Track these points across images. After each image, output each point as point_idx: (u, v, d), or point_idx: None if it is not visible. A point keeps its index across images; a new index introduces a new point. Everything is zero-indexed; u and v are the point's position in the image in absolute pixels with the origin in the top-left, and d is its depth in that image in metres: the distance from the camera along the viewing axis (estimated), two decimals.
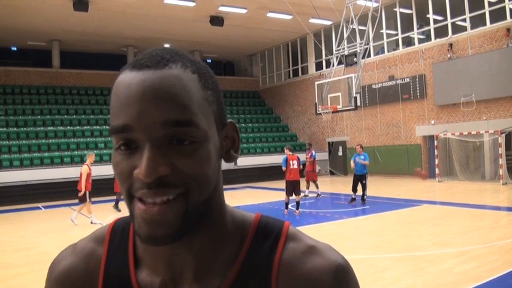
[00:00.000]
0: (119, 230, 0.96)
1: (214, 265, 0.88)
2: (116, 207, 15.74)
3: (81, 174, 13.66)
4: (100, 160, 23.68)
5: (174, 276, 0.87)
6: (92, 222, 13.41)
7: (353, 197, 15.85)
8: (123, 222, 0.97)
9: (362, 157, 15.46)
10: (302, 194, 15.82)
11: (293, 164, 13.94)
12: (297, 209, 14.24)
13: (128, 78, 0.77)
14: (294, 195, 14.06)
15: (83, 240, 0.98)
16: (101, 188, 20.22)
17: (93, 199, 14.20)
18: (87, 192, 13.59)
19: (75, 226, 13.21)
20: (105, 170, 20.73)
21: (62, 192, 20.34)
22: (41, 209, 18.58)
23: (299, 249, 0.88)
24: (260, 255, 0.88)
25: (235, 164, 26.97)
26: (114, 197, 16.03)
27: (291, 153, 14.22)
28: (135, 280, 0.89)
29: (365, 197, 15.60)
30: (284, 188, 14.31)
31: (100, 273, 0.92)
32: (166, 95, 0.75)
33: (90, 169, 13.81)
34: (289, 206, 14.47)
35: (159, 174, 0.74)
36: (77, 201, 14.04)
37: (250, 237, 0.91)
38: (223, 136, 0.87)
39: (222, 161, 0.90)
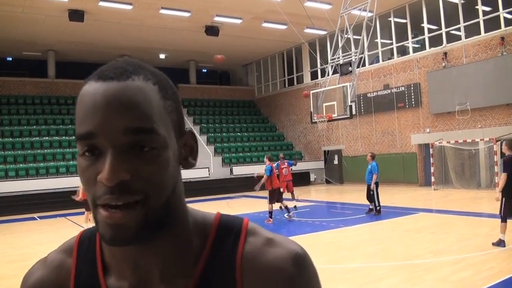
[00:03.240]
0: (85, 240, 0.99)
1: (179, 265, 0.91)
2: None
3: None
4: None
5: (140, 279, 0.90)
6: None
7: (370, 207, 15.22)
8: (89, 232, 1.01)
9: (369, 167, 15.00)
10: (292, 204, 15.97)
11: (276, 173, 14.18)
12: (289, 212, 14.52)
13: (92, 88, 0.82)
14: (276, 203, 14.34)
15: (53, 253, 1.01)
16: None
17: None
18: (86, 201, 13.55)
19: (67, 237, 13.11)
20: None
21: (57, 203, 20.28)
22: (36, 219, 18.50)
23: (259, 242, 0.93)
24: (223, 252, 0.92)
25: (231, 172, 27.04)
26: None
27: (272, 162, 14.42)
28: (105, 286, 0.92)
29: (377, 207, 14.90)
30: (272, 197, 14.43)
31: (70, 283, 0.95)
32: (128, 104, 0.79)
33: None
34: (285, 215, 14.52)
35: (120, 178, 0.78)
36: (71, 211, 13.93)
37: (212, 236, 0.94)
38: (181, 144, 0.91)
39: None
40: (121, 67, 0.84)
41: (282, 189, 15.25)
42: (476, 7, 21.29)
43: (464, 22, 21.79)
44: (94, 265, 0.94)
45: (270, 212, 14.22)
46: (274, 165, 15.14)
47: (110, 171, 0.77)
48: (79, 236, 1.01)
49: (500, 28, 20.23)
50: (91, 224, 13.06)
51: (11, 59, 31.61)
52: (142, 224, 0.80)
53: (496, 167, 19.10)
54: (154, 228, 0.84)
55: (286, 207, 14.50)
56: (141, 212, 0.80)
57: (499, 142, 19.10)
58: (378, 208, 14.92)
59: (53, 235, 13.72)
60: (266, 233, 0.96)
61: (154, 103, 0.82)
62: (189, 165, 0.94)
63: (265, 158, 14.97)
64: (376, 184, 14.89)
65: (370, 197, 15.03)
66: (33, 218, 18.76)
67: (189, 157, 0.94)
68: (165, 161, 0.83)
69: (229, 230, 0.95)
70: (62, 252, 1.00)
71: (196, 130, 30.19)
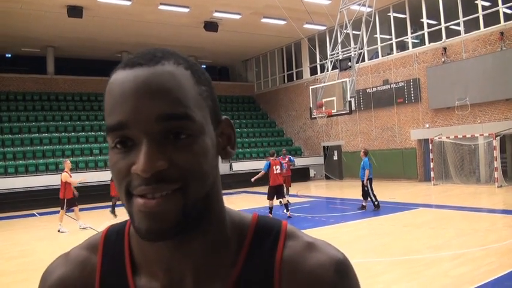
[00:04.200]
0: (112, 237, 0.94)
1: (214, 268, 0.87)
2: (113, 212, 15.60)
3: (63, 183, 13.66)
4: (95, 166, 23.66)
5: (174, 281, 0.86)
6: (59, 231, 13.43)
7: (363, 204, 15.19)
8: (116, 228, 0.96)
9: (362, 163, 15.02)
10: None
11: (276, 169, 14.06)
12: (287, 210, 14.47)
13: (121, 77, 0.78)
14: (276, 199, 14.44)
15: (76, 249, 0.96)
16: (96, 194, 20.21)
17: (90, 205, 14.12)
18: (66, 200, 13.59)
19: (66, 233, 13.17)
20: (101, 176, 20.72)
21: (57, 199, 20.11)
22: (36, 216, 18.50)
23: (299, 246, 0.89)
24: (261, 255, 0.89)
25: (231, 168, 27.03)
26: (110, 203, 15.88)
27: (273, 158, 14.38)
28: (134, 287, 0.88)
29: (375, 202, 14.81)
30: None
31: (96, 281, 0.90)
32: (160, 90, 0.76)
33: (70, 176, 13.83)
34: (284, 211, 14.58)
35: (156, 168, 0.74)
36: (70, 208, 13.95)
37: (249, 238, 0.91)
38: (218, 133, 0.87)
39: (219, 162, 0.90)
40: (150, 53, 0.81)
41: (284, 186, 15.16)
42: (476, 2, 21.28)
43: (463, 17, 21.77)
44: (122, 264, 0.90)
45: (270, 208, 14.24)
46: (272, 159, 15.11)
47: (146, 162, 0.73)
48: (105, 232, 0.96)
49: (500, 23, 20.21)
50: (81, 221, 13.01)
51: (10, 55, 31.61)
52: (181, 215, 0.77)
53: (495, 162, 19.13)
54: (193, 222, 0.80)
55: (286, 204, 14.52)
56: (179, 201, 0.76)
57: (499, 137, 19.17)
58: (375, 203, 14.86)
59: (52, 232, 13.72)
60: (306, 237, 0.92)
61: (188, 88, 0.79)
62: (228, 155, 0.90)
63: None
64: (370, 180, 14.83)
65: (365, 193, 15.03)
66: (33, 215, 18.76)
67: (227, 146, 0.90)
68: (204, 149, 0.79)
69: (268, 231, 0.91)
70: (86, 248, 0.95)
71: None
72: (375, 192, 14.99)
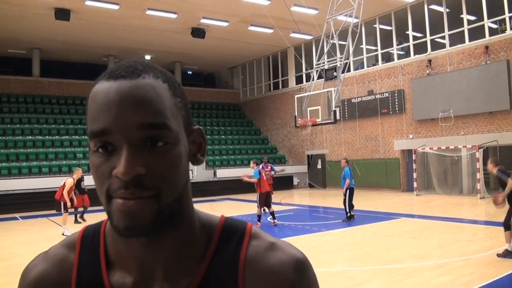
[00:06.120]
0: (89, 236, 1.00)
1: (183, 264, 0.93)
2: (76, 220, 15.49)
3: (64, 185, 13.63)
4: None
5: (145, 276, 0.92)
6: (63, 234, 13.25)
7: (348, 214, 14.82)
8: (92, 228, 1.02)
9: (343, 172, 14.84)
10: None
11: (266, 176, 14.02)
12: (274, 219, 14.30)
13: (105, 87, 0.85)
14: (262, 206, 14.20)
15: (54, 247, 1.01)
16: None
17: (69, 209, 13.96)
18: (64, 204, 13.51)
19: (50, 237, 13.01)
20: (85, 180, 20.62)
21: (40, 203, 20.06)
22: (18, 219, 18.33)
23: (262, 246, 0.96)
24: (227, 253, 0.95)
25: (215, 175, 26.99)
26: (95, 207, 15.65)
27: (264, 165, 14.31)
28: (108, 282, 0.93)
29: (347, 214, 14.69)
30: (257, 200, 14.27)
31: (73, 278, 0.95)
32: (141, 101, 0.83)
33: (74, 183, 13.91)
34: (268, 219, 14.51)
35: (136, 172, 0.81)
36: (54, 212, 13.87)
37: (216, 237, 0.97)
38: (191, 141, 0.94)
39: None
40: (131, 66, 0.87)
41: (271, 193, 14.83)
42: (461, 16, 21.52)
43: (449, 30, 22.02)
44: (97, 261, 0.96)
45: (259, 216, 14.13)
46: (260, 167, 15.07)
47: (126, 166, 0.80)
48: (82, 231, 1.02)
49: (485, 37, 20.47)
50: (69, 226, 12.90)
51: None
52: (156, 215, 0.83)
53: (478, 173, 19.30)
54: (167, 222, 0.86)
55: (272, 213, 14.37)
56: (154, 205, 0.83)
57: (481, 149, 19.36)
58: (348, 214, 14.72)
59: (34, 235, 13.60)
60: (269, 238, 0.99)
61: (165, 100, 0.85)
62: (198, 162, 0.97)
63: (252, 163, 14.89)
64: (351, 190, 14.69)
65: (343, 202, 14.95)
66: (15, 218, 18.58)
67: (197, 154, 0.96)
68: (178, 156, 0.86)
69: (233, 232, 0.98)
70: (64, 246, 1.00)
71: None
72: (353, 203, 14.87)
